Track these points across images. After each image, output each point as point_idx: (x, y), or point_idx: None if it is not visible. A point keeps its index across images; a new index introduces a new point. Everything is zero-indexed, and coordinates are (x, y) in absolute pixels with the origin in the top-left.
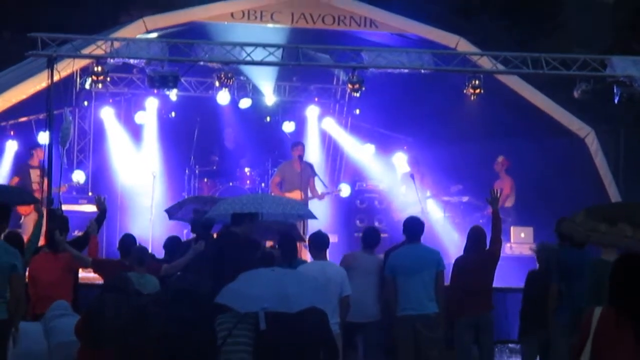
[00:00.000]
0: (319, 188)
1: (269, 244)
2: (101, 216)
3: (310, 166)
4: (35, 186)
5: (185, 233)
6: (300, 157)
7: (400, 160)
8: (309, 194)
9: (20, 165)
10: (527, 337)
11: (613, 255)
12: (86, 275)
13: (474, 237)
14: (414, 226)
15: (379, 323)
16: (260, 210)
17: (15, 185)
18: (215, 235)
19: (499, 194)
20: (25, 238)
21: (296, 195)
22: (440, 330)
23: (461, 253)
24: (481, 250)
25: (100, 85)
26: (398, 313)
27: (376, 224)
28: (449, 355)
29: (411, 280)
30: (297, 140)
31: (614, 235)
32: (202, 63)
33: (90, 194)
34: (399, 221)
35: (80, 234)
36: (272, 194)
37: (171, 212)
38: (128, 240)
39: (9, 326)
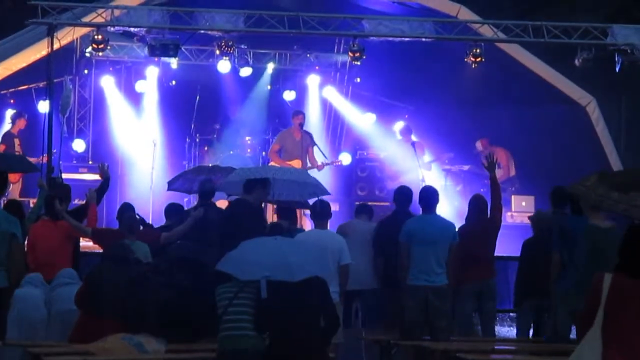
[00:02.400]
0: (318, 158)
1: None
2: (104, 184)
3: (310, 135)
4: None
5: (186, 202)
6: (301, 125)
7: (403, 125)
8: (308, 164)
9: (5, 134)
10: (522, 306)
11: (601, 220)
12: (87, 244)
13: (476, 206)
14: (431, 196)
15: (376, 290)
16: (271, 176)
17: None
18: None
19: (496, 160)
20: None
21: (296, 164)
22: (448, 302)
23: (462, 221)
24: (483, 218)
25: (100, 54)
26: (409, 281)
27: (377, 192)
28: (453, 323)
29: (426, 250)
30: (298, 109)
31: (625, 204)
32: (202, 31)
33: (90, 162)
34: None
35: (81, 202)
36: (272, 162)
37: (170, 183)
38: (125, 209)
39: (9, 294)
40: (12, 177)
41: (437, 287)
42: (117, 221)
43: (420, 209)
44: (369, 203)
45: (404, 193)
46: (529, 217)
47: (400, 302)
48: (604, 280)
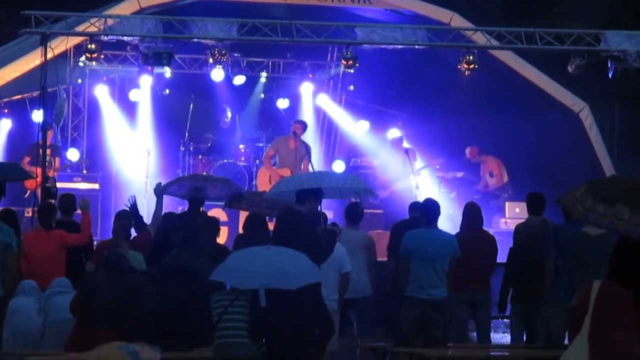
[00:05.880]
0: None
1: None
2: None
3: (306, 147)
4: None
5: (180, 209)
6: (295, 134)
7: (394, 136)
8: None
9: (32, 145)
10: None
11: (596, 229)
12: None
13: (470, 214)
14: (433, 210)
15: (370, 298)
16: (322, 186)
17: (25, 164)
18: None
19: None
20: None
21: (286, 172)
22: (447, 313)
23: (457, 229)
24: (478, 226)
25: (94, 63)
26: (409, 293)
27: (371, 200)
28: (449, 331)
29: (427, 265)
30: (299, 119)
31: (610, 217)
32: (195, 40)
33: (85, 171)
34: (391, 197)
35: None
36: (264, 167)
37: (165, 187)
38: (120, 216)
39: (4, 304)
40: (31, 183)
41: (436, 301)
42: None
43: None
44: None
45: (418, 204)
46: (515, 227)
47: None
48: (592, 288)
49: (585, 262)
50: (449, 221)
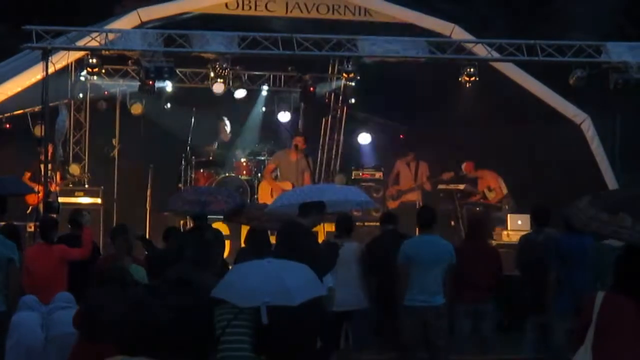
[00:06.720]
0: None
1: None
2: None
3: (307, 160)
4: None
5: (182, 223)
6: (297, 147)
7: (401, 148)
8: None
9: (33, 160)
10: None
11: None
12: None
13: (473, 226)
14: (428, 216)
15: (366, 310)
16: (323, 198)
17: (27, 179)
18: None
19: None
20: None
21: (287, 186)
22: (447, 320)
23: (458, 240)
24: (480, 238)
25: (95, 77)
26: (407, 302)
27: (373, 212)
28: (451, 342)
29: (425, 271)
30: (300, 132)
31: (613, 225)
32: (196, 54)
33: (86, 186)
34: (394, 209)
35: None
36: (264, 182)
37: (167, 204)
38: (119, 231)
39: (7, 318)
40: (33, 199)
41: (435, 307)
42: (111, 242)
43: (417, 229)
44: (365, 223)
45: (391, 216)
46: (520, 239)
47: (396, 321)
48: (596, 298)
49: (608, 274)
50: (450, 234)
